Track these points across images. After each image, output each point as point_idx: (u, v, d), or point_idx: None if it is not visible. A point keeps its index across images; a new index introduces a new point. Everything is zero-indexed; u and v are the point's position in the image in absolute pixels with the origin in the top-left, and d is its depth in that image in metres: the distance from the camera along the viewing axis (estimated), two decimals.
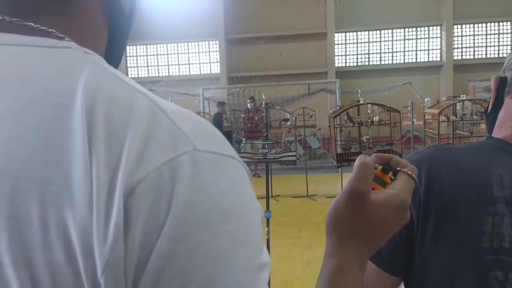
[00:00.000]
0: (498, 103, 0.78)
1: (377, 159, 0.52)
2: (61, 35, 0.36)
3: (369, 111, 5.61)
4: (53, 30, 0.36)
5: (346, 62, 12.81)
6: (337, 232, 0.48)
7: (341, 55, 12.78)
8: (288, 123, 5.62)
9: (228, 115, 8.09)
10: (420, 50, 12.61)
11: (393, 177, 0.50)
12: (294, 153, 3.47)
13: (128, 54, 13.24)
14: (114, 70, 0.35)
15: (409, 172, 0.50)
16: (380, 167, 0.50)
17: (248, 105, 7.87)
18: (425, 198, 0.69)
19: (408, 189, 0.49)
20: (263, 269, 0.32)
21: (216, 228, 0.29)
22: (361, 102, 4.58)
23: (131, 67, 13.32)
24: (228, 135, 6.82)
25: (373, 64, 12.72)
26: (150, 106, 0.32)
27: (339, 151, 4.32)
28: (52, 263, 0.28)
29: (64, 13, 0.37)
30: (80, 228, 0.28)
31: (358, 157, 0.49)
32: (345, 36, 12.72)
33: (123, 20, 0.43)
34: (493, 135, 0.78)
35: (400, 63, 12.60)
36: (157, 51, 13.27)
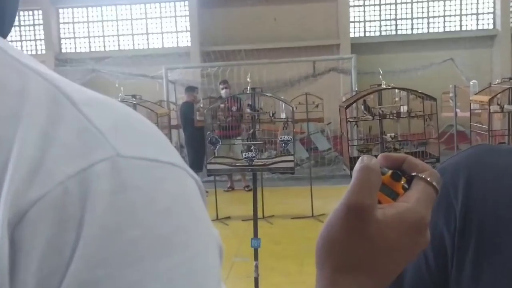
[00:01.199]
0: None
1: (385, 161, 0.52)
2: None
3: (396, 99, 5.66)
4: None
5: (365, 31, 12.89)
6: (330, 262, 0.48)
7: (359, 22, 12.86)
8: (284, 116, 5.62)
9: (201, 105, 8.07)
10: (467, 15, 12.76)
11: (406, 186, 0.50)
12: (291, 158, 3.47)
13: (61, 21, 13.12)
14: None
15: (428, 179, 0.49)
16: (390, 172, 0.50)
17: (222, 92, 7.86)
18: (463, 217, 0.70)
19: (427, 201, 0.49)
20: None
21: (149, 265, 0.29)
22: (384, 86, 4.62)
23: (65, 38, 13.19)
24: (201, 132, 6.80)
25: (402, 34, 12.81)
26: (50, 93, 0.31)
27: (354, 154, 4.34)
28: None
29: None
30: None
31: (360, 158, 0.49)
32: None
33: None
34: None
35: (439, 32, 12.72)
36: (102, 16, 13.17)
